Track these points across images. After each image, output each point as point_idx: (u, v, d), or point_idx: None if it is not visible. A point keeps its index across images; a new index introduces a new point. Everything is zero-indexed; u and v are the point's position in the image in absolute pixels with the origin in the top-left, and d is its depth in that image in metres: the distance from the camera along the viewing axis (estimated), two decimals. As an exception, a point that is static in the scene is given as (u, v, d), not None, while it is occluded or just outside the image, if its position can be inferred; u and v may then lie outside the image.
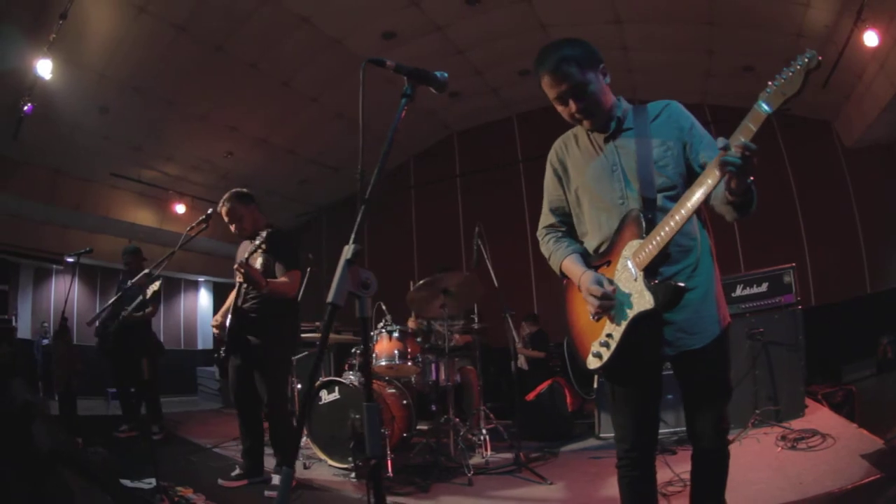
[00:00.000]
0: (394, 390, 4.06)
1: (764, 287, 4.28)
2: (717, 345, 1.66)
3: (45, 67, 4.85)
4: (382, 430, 3.47)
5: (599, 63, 1.70)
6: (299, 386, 4.63)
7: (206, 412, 6.88)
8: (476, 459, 3.97)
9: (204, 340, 10.39)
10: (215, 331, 3.48)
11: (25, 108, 5.32)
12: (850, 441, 3.18)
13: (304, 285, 4.06)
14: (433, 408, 3.98)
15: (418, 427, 4.10)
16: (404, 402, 4.02)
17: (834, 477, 2.68)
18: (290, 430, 3.42)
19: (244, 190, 3.53)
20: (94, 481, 2.43)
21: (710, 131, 1.77)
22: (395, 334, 4.11)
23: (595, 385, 4.42)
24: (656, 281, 1.57)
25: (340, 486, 3.46)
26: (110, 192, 7.72)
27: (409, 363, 4.09)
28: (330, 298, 1.17)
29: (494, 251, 4.26)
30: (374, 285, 1.23)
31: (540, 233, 1.99)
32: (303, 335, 4.41)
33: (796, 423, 3.66)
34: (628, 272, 1.63)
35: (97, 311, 7.76)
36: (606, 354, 1.65)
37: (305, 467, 3.82)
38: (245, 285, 3.28)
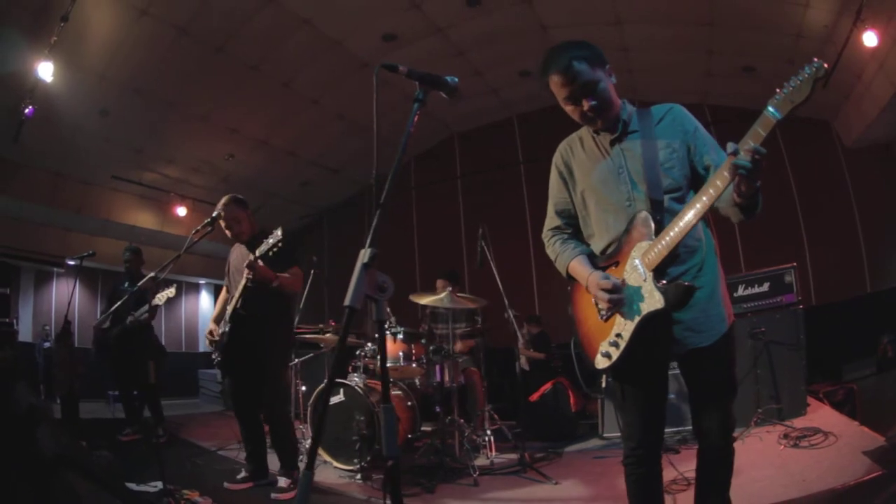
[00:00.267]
0: (398, 392, 4.07)
1: (765, 287, 4.31)
2: (723, 342, 1.69)
3: (46, 70, 4.83)
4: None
5: (605, 64, 1.74)
6: (304, 388, 4.62)
7: (208, 414, 6.86)
8: (481, 460, 3.98)
9: (205, 343, 10.36)
10: (209, 338, 3.47)
11: (26, 110, 5.29)
12: (852, 438, 3.21)
13: (307, 285, 4.07)
14: (437, 409, 3.98)
15: (423, 428, 4.09)
16: (409, 403, 4.02)
17: (836, 474, 2.70)
18: (292, 432, 3.43)
19: (240, 196, 3.60)
20: (100, 485, 2.43)
21: (710, 131, 1.80)
22: (400, 336, 4.12)
23: (603, 385, 4.42)
24: (665, 281, 1.59)
25: (346, 487, 3.47)
26: (111, 194, 7.69)
27: (414, 365, 4.10)
28: (347, 301, 1.17)
29: (495, 252, 4.27)
30: (391, 288, 1.23)
31: (545, 235, 2.01)
32: (304, 337, 4.43)
33: (798, 422, 3.68)
34: (637, 273, 1.64)
35: (98, 314, 7.77)
36: (616, 354, 1.66)
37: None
38: (241, 289, 3.27)
